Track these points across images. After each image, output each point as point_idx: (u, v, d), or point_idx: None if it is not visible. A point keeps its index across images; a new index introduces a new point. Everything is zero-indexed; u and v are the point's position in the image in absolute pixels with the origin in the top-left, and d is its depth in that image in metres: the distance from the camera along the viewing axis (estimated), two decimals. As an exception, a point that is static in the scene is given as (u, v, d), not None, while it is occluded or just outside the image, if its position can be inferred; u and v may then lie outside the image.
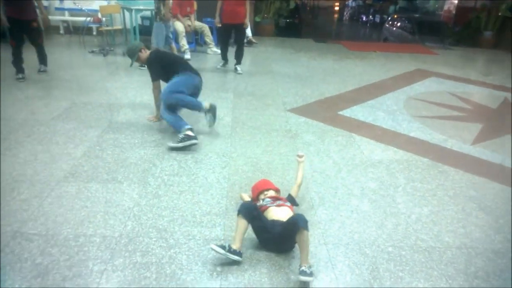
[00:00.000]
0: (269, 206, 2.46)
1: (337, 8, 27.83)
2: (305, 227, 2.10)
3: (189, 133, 3.57)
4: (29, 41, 5.48)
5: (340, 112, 4.72)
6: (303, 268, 2.06)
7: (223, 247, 2.18)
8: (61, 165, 3.17)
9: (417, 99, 5.46)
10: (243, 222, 2.25)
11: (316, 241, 2.44)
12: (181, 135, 3.57)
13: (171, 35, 6.37)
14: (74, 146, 3.51)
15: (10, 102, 4.46)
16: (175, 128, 3.71)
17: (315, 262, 2.27)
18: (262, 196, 2.61)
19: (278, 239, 2.29)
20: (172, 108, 3.79)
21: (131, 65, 4.12)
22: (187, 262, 2.22)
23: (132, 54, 3.93)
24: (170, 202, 2.77)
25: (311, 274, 2.05)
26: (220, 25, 6.31)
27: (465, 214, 2.88)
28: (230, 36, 6.41)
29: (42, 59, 5.81)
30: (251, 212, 2.29)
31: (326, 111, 4.75)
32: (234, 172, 3.23)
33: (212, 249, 2.19)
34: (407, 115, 4.79)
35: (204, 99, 4.87)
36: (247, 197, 2.73)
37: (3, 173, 3.00)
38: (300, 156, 2.87)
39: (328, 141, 3.91)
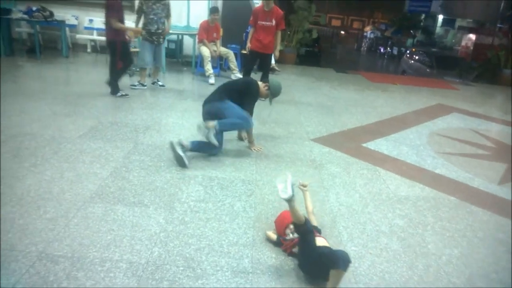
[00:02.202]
0: None
1: (344, 35, 28.10)
2: (344, 269, 2.05)
3: None
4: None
5: (364, 145, 4.68)
6: None
7: None
8: (87, 185, 3.17)
9: (440, 135, 5.40)
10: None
11: (347, 280, 2.35)
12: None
13: (162, 57, 6.53)
14: (101, 166, 3.51)
15: (36, 118, 4.52)
16: (208, 151, 3.88)
17: (347, 302, 2.19)
18: (288, 231, 2.56)
19: (318, 264, 2.25)
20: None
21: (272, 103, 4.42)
22: (215, 295, 2.16)
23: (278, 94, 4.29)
24: (196, 230, 2.72)
25: None
26: (247, 52, 6.34)
27: (496, 258, 2.78)
28: (254, 64, 6.45)
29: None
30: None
31: (350, 142, 4.72)
32: (260, 201, 3.19)
33: None
34: (431, 151, 4.73)
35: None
36: (273, 235, 2.66)
37: (30, 190, 3.01)
38: (304, 186, 2.86)
39: (354, 174, 3.86)
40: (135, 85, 6.34)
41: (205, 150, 3.90)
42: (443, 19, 21.06)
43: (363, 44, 26.00)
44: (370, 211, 3.21)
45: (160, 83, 6.62)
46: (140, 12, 6.09)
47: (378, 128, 5.43)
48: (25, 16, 7.83)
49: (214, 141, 3.76)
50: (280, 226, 2.63)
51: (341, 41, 26.29)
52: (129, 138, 4.22)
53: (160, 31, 6.14)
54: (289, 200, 2.32)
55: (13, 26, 8.74)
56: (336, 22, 34.05)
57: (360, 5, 31.16)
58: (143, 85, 6.40)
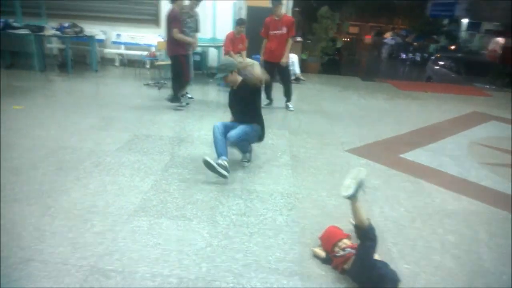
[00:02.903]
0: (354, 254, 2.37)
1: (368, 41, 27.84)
2: None
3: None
4: None
5: (402, 155, 4.58)
6: None
7: None
8: (130, 198, 3.19)
9: (482, 145, 5.24)
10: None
11: (403, 299, 2.29)
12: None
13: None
14: (141, 179, 3.54)
15: (74, 131, 4.61)
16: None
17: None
18: (337, 249, 2.51)
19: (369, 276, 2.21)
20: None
21: (216, 77, 4.16)
22: (269, 312, 2.13)
23: (223, 70, 3.88)
24: (241, 244, 2.70)
25: None
26: (262, 64, 6.30)
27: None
28: (273, 74, 6.34)
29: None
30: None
31: (387, 153, 4.63)
32: (303, 215, 3.14)
33: None
34: (473, 162, 4.59)
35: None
36: (321, 252, 2.61)
37: (76, 203, 3.05)
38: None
39: (396, 187, 3.77)
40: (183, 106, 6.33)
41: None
42: (468, 23, 20.67)
43: (383, 50, 25.74)
44: (419, 226, 3.11)
45: (189, 95, 6.68)
46: None
47: (414, 138, 5.32)
48: (58, 33, 8.09)
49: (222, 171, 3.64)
50: (328, 243, 2.58)
51: (361, 48, 26.11)
52: (165, 150, 4.26)
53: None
54: (351, 199, 2.34)
55: (45, 42, 9.03)
56: (353, 29, 33.88)
57: (378, 11, 30.90)
58: (183, 96, 6.46)
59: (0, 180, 3.31)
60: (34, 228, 2.69)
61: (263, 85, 4.10)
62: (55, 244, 2.55)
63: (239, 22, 7.33)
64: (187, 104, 6.26)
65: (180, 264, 2.45)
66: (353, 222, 2.50)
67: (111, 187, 3.36)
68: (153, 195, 3.28)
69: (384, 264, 2.31)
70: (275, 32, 6.01)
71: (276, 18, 6.00)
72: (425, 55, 19.18)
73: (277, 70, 6.32)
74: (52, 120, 4.94)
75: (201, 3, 6.28)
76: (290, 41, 6.13)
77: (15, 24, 8.12)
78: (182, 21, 5.97)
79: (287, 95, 6.45)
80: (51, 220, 2.80)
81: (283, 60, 6.15)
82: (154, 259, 2.48)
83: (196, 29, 6.33)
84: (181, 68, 5.96)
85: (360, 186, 2.43)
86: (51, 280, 2.23)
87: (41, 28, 7.99)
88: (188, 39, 6.01)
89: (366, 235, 2.32)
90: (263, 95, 6.80)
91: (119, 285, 2.24)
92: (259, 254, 2.61)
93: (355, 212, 2.38)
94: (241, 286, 2.30)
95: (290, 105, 6.42)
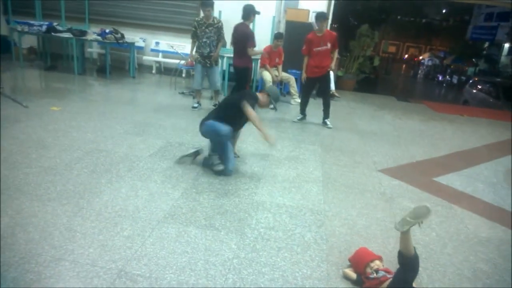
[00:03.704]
0: (389, 278, 2.29)
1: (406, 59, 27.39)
2: None
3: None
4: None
5: (436, 179, 4.44)
6: None
7: None
8: (160, 204, 3.22)
9: (519, 172, 5.02)
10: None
11: (434, 329, 2.19)
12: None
13: (216, 79, 6.60)
14: (172, 186, 3.58)
15: (109, 135, 4.73)
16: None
17: None
18: (369, 270, 2.44)
19: None
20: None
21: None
22: (294, 331, 2.07)
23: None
24: (269, 259, 2.66)
25: None
26: (304, 82, 6.31)
27: None
28: (312, 90, 6.41)
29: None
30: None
31: (421, 176, 4.49)
32: (331, 233, 3.08)
33: None
34: (509, 189, 4.39)
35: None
36: (352, 274, 2.53)
37: (107, 206, 3.10)
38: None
39: (428, 211, 3.64)
40: (195, 106, 6.51)
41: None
42: (509, 48, 20.03)
43: (420, 71, 25.28)
44: (450, 252, 2.99)
45: (195, 105, 6.64)
46: (194, 36, 6.25)
47: (449, 161, 5.15)
48: (99, 38, 8.38)
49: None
50: (359, 264, 2.51)
51: (397, 67, 25.79)
52: (197, 159, 4.29)
53: (212, 53, 6.27)
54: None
55: (85, 46, 9.39)
56: (391, 49, 33.51)
57: (417, 31, 30.47)
58: (200, 104, 6.62)
59: (26, 179, 3.43)
60: (65, 228, 2.75)
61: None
62: (85, 245, 2.59)
63: (277, 36, 7.40)
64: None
65: (206, 274, 2.44)
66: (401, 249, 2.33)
67: (142, 192, 3.41)
68: (183, 203, 3.30)
69: None
70: (319, 48, 5.95)
71: (319, 34, 5.94)
72: (463, 78, 18.70)
73: (318, 84, 6.29)
74: (88, 123, 5.09)
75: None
76: (335, 54, 6.13)
77: (58, 28, 8.48)
78: (201, 32, 6.07)
79: (326, 111, 6.34)
80: (82, 221, 2.86)
81: (331, 66, 6.09)
82: (181, 267, 2.48)
83: (218, 38, 6.28)
84: (246, 81, 6.40)
85: (418, 224, 2.21)
86: (80, 280, 2.27)
87: (83, 33, 8.33)
88: (258, 51, 6.47)
89: (409, 264, 2.23)
90: (297, 110, 6.88)
91: (145, 291, 2.25)
92: (286, 269, 2.57)
93: (404, 240, 2.23)
94: (266, 302, 2.26)
95: (328, 121, 6.32)
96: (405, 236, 2.21)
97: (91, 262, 2.43)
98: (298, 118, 6.50)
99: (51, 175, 3.53)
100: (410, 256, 2.20)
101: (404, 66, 29.67)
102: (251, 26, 6.11)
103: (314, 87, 6.41)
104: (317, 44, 5.95)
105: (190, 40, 6.34)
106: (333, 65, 6.13)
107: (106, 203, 3.16)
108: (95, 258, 2.47)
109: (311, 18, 8.67)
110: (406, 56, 30.88)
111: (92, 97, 6.80)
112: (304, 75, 6.23)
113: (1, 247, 2.47)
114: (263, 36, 8.70)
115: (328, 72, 6.18)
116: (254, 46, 6.18)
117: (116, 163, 3.94)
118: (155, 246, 2.66)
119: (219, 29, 6.23)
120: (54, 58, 9.14)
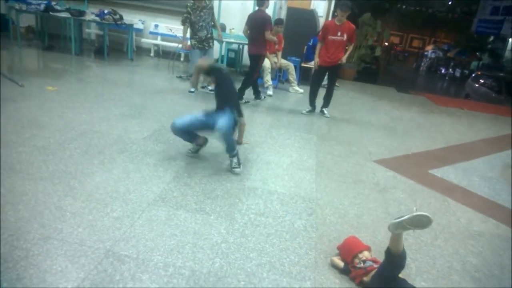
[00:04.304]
0: (376, 268, 2.30)
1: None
2: None
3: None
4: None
5: (431, 171, 4.42)
6: None
7: None
8: (151, 187, 3.22)
9: (515, 168, 5.01)
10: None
11: (417, 318, 2.20)
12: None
13: None
14: (164, 170, 3.56)
15: (105, 117, 4.70)
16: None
17: None
18: (357, 260, 2.44)
19: None
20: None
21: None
22: (278, 316, 2.08)
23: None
24: (257, 244, 2.66)
25: None
26: (316, 68, 6.14)
27: None
28: (322, 80, 6.25)
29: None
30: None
31: (416, 167, 4.48)
32: (322, 221, 3.07)
33: None
34: (506, 185, 4.38)
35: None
36: (340, 262, 2.53)
37: (99, 187, 3.10)
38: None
39: (421, 202, 3.64)
40: (192, 91, 6.48)
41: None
42: (514, 42, 19.81)
43: (423, 63, 25.09)
44: (440, 244, 2.99)
45: (210, 87, 6.62)
46: (187, 22, 6.16)
47: (446, 154, 5.13)
48: (97, 18, 8.27)
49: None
50: (347, 254, 2.51)
51: (399, 59, 25.58)
52: (191, 143, 4.26)
53: (209, 35, 6.20)
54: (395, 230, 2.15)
55: (84, 27, 9.29)
56: (394, 39, 33.16)
57: (422, 23, 30.08)
58: (196, 89, 6.56)
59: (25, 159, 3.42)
60: (55, 207, 2.75)
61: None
62: (75, 224, 2.59)
63: (277, 22, 7.29)
64: (248, 101, 6.55)
65: (194, 257, 2.44)
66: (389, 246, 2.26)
67: (134, 174, 3.40)
68: (174, 186, 3.30)
69: (403, 281, 2.22)
70: (334, 37, 5.77)
71: (337, 23, 5.75)
72: (465, 71, 18.57)
73: (328, 74, 6.13)
74: (84, 104, 5.06)
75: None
76: (351, 47, 6.01)
77: (57, 7, 8.36)
78: (196, 16, 5.99)
79: (327, 100, 6.26)
80: (73, 201, 2.85)
81: (343, 59, 5.90)
82: (169, 249, 2.48)
83: (212, 19, 6.27)
84: (257, 67, 6.42)
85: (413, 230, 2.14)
86: (67, 259, 2.27)
87: (81, 13, 8.22)
88: (275, 38, 6.50)
89: (397, 261, 2.19)
90: (300, 95, 6.86)
91: (132, 271, 2.25)
92: (274, 255, 2.57)
93: (395, 239, 2.17)
94: (252, 285, 2.26)
95: (326, 111, 6.28)
96: (397, 236, 2.16)
97: (79, 242, 2.43)
98: (306, 110, 6.29)
99: (44, 154, 3.51)
100: (398, 254, 2.17)
101: (407, 57, 29.43)
102: (250, 9, 6.08)
103: (324, 77, 6.21)
104: (334, 32, 5.76)
105: (182, 24, 6.28)
106: (344, 58, 5.93)
107: (98, 184, 3.15)
108: (83, 238, 2.47)
109: (313, 5, 8.56)
110: (407, 55, 30.59)
111: (88, 78, 6.74)
112: (316, 60, 6.06)
113: (-11, 224, 2.47)
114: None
115: (339, 64, 5.99)
116: (271, 30, 6.19)
117: (110, 145, 3.92)
118: (144, 228, 2.66)
119: (211, 10, 6.22)
120: (52, 38, 9.05)
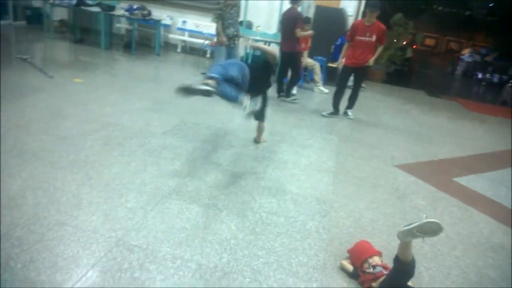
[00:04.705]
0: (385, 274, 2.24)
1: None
2: None
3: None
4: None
5: (456, 179, 4.26)
6: None
7: None
8: (167, 181, 3.25)
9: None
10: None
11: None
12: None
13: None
14: (181, 164, 3.60)
15: (127, 110, 4.79)
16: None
17: None
18: (366, 265, 2.38)
19: None
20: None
21: None
22: (280, 316, 2.06)
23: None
24: (266, 243, 2.65)
25: None
26: (340, 66, 6.02)
27: None
28: (347, 81, 6.04)
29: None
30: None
31: (440, 175, 4.33)
32: (335, 224, 3.02)
33: None
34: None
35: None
36: (349, 266, 2.48)
37: (115, 178, 3.16)
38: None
39: (441, 211, 3.52)
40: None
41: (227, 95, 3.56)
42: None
43: (458, 67, 24.27)
44: (458, 255, 2.88)
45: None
46: (221, 19, 6.18)
47: (473, 162, 4.94)
48: (126, 13, 8.43)
49: (204, 87, 3.27)
50: (357, 257, 2.45)
51: (433, 62, 24.84)
52: (209, 140, 4.29)
53: (235, 33, 6.22)
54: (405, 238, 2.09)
55: (114, 21, 9.51)
56: (429, 42, 32.22)
57: (460, 25, 29.02)
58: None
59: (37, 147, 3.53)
60: (73, 195, 2.83)
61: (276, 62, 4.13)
62: (89, 212, 2.66)
63: (304, 21, 7.23)
64: (294, 100, 6.67)
65: (201, 251, 2.45)
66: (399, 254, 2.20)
67: (151, 167, 3.45)
68: (189, 181, 3.32)
69: None
70: (363, 38, 5.58)
71: (367, 24, 5.56)
72: (504, 77, 17.83)
73: (354, 75, 5.93)
74: (108, 97, 5.18)
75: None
76: (380, 49, 5.72)
77: (88, 2, 8.63)
78: (227, 14, 6.00)
79: (352, 102, 6.11)
80: (89, 190, 2.92)
81: (370, 61, 5.68)
82: (178, 242, 2.50)
83: (238, 17, 6.30)
84: (296, 66, 6.54)
85: (422, 238, 2.07)
86: (79, 245, 2.33)
87: (111, 8, 8.42)
88: (308, 33, 6.53)
89: (406, 270, 2.13)
90: (324, 96, 6.75)
91: (140, 261, 2.28)
92: (282, 255, 2.55)
93: (404, 247, 2.11)
94: (257, 283, 2.25)
95: (350, 112, 6.15)
96: (406, 244, 2.10)
97: (93, 229, 2.49)
98: (328, 112, 6.08)
99: (65, 144, 3.62)
100: (407, 262, 2.11)
101: (442, 61, 28.53)
102: (277, 6, 6.03)
103: (349, 79, 6.00)
104: (362, 33, 5.58)
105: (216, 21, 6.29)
106: (372, 60, 5.69)
107: (115, 175, 3.21)
108: (96, 226, 2.53)
109: (342, 4, 8.43)
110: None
111: (115, 72, 6.90)
112: (340, 60, 5.97)
113: (11, 208, 2.57)
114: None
115: (367, 66, 5.79)
116: (302, 27, 6.23)
117: (130, 138, 3.99)
118: (156, 220, 2.70)
119: (239, 8, 6.26)
120: (84, 32, 9.32)
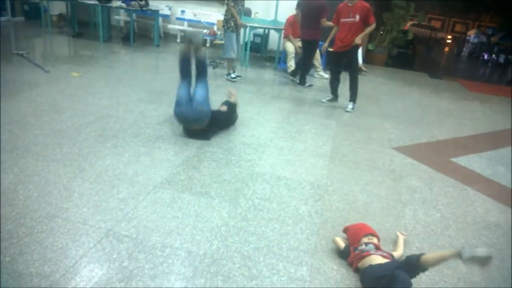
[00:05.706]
0: (372, 254, 2.24)
1: (449, 41, 26.01)
2: None
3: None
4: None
5: (454, 159, 4.22)
6: None
7: None
8: (159, 171, 3.26)
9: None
10: None
11: (415, 309, 2.11)
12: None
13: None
14: (174, 154, 3.60)
15: (123, 102, 4.79)
16: None
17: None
18: (365, 240, 2.37)
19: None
20: None
21: None
22: (267, 300, 2.06)
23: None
24: (258, 228, 2.65)
25: None
26: (325, 50, 6.15)
27: None
28: (339, 66, 5.81)
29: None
30: None
31: (437, 155, 4.29)
32: (328, 207, 3.01)
33: None
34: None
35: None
36: (341, 243, 2.48)
37: (108, 169, 3.17)
38: (403, 234, 2.65)
39: (437, 191, 3.48)
40: (235, 78, 6.52)
41: None
42: None
43: (464, 48, 23.88)
44: (451, 234, 2.86)
45: (233, 75, 6.57)
46: (236, 5, 6.16)
47: (472, 142, 4.88)
48: (123, 5, 8.38)
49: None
50: (358, 232, 2.46)
51: (439, 44, 24.45)
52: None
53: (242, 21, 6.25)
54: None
55: (112, 13, 9.46)
56: (436, 24, 31.68)
57: (466, 6, 28.45)
58: (238, 75, 6.65)
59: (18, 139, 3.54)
60: (64, 188, 2.84)
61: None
62: (80, 204, 2.67)
63: (299, 5, 7.13)
64: (311, 85, 6.84)
65: (192, 239, 2.46)
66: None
67: (144, 158, 3.45)
68: (183, 170, 3.32)
69: (404, 276, 2.09)
70: (346, 20, 5.40)
71: (349, 5, 5.38)
72: (510, 57, 17.52)
73: (346, 58, 5.67)
74: (105, 89, 5.18)
75: None
76: (368, 28, 5.47)
77: (85, -6, 8.58)
78: (238, 3, 5.98)
79: (353, 91, 5.69)
80: (81, 182, 2.94)
81: (356, 40, 5.35)
82: (168, 231, 2.51)
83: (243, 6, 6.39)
84: (313, 52, 6.71)
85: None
86: (68, 237, 2.34)
87: (108, 0, 8.38)
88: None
89: (417, 272, 2.13)
90: (325, 81, 6.70)
91: (129, 250, 2.29)
92: (273, 240, 2.55)
93: (439, 260, 2.10)
94: (246, 268, 2.25)
95: (350, 105, 5.67)
96: (444, 257, 2.08)
97: (83, 221, 2.51)
98: (327, 99, 5.95)
99: (59, 137, 3.63)
100: (425, 267, 2.10)
101: (448, 42, 28.04)
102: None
103: (341, 62, 5.77)
104: (345, 15, 5.43)
105: (214, 9, 6.30)
106: (357, 39, 5.39)
107: (107, 166, 3.22)
108: (86, 217, 2.54)
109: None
110: (450, 37, 29.02)
111: (113, 64, 6.88)
112: (325, 45, 5.97)
113: (1, 203, 2.59)
114: (288, 5, 8.40)
115: (354, 47, 5.54)
116: (327, 17, 6.18)
117: (124, 129, 4.00)
118: (147, 210, 2.70)
119: None
120: (82, 25, 9.29)
